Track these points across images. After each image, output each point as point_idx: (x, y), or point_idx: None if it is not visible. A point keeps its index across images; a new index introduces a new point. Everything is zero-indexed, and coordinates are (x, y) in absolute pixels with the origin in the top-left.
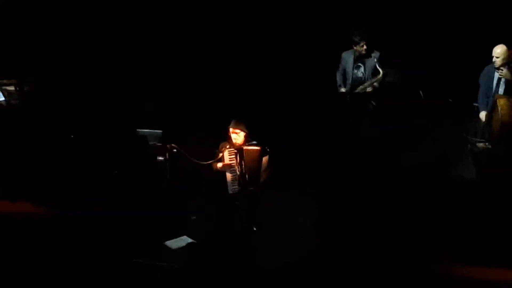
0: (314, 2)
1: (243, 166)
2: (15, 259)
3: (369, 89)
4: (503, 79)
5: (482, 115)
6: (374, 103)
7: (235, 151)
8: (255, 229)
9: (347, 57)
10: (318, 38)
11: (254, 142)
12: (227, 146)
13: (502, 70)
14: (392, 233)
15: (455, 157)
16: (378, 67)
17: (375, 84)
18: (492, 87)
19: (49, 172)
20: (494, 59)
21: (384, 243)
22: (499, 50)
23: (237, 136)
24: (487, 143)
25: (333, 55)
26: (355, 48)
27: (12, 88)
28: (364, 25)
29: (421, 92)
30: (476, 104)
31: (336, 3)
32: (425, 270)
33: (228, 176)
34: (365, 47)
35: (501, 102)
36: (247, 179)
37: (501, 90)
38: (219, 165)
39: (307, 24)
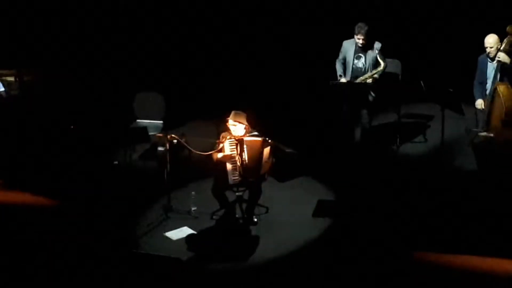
0: None
1: (244, 157)
2: (14, 251)
3: (369, 81)
4: (494, 67)
5: (478, 103)
6: (373, 94)
7: (236, 142)
8: (255, 220)
9: (348, 46)
10: (317, 28)
11: (255, 132)
12: (228, 137)
13: (498, 56)
14: (391, 225)
15: (456, 148)
16: (379, 59)
17: (375, 75)
18: (485, 76)
19: (48, 162)
20: (488, 49)
21: (383, 236)
22: (491, 40)
23: (236, 128)
24: (488, 132)
25: (332, 44)
26: (356, 38)
27: (12, 78)
28: (365, 20)
29: (422, 82)
30: None
31: None
32: (423, 264)
33: (229, 166)
34: (361, 41)
35: (501, 89)
36: (247, 170)
37: (493, 80)
38: (220, 155)
39: (306, 15)
